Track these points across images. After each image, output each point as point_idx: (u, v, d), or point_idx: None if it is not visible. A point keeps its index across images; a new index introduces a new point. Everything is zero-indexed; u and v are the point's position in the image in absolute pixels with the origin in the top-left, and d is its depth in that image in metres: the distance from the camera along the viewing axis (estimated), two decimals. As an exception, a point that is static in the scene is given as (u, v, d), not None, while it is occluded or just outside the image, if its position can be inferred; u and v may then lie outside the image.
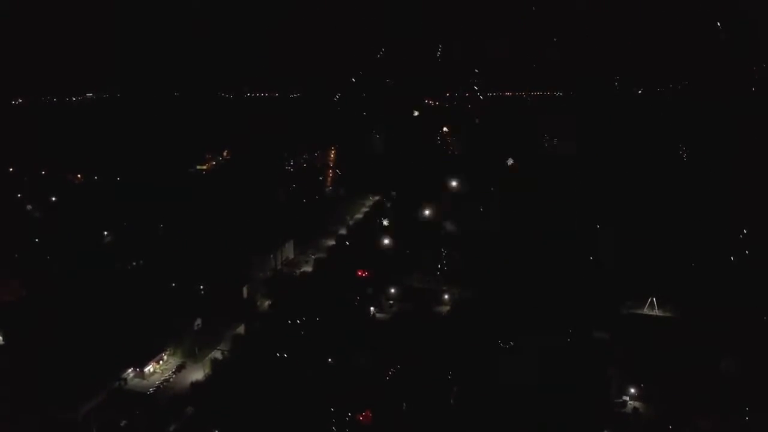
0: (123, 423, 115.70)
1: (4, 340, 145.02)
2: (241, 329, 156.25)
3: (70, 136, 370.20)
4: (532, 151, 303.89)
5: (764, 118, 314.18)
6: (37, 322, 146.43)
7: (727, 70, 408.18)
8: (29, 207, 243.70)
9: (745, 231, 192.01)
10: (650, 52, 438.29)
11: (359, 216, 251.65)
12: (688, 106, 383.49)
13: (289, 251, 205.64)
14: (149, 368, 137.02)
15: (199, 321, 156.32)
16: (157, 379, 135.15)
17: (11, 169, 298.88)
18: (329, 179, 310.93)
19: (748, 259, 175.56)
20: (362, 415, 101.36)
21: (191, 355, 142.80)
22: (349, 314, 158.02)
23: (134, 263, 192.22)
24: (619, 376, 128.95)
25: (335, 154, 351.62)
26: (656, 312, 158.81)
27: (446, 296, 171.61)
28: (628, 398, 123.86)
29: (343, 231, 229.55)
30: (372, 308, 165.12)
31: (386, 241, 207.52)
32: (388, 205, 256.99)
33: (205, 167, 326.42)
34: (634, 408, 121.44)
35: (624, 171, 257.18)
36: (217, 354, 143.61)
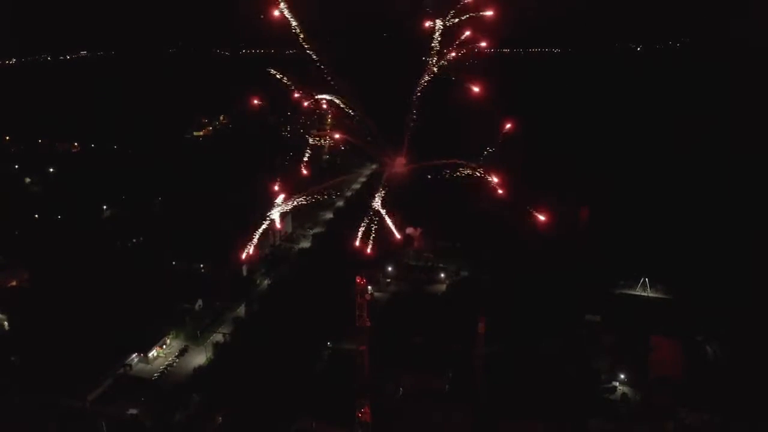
0: (130, 413, 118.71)
1: (9, 326, 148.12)
2: (241, 310, 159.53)
3: (65, 100, 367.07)
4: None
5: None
6: (41, 308, 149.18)
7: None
8: (28, 180, 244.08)
9: (740, 213, 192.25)
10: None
11: (357, 186, 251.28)
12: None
13: (287, 225, 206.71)
14: (153, 353, 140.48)
15: (200, 302, 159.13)
16: (161, 364, 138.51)
17: (7, 138, 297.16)
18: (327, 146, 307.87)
19: (743, 240, 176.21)
20: (361, 412, 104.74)
21: (193, 339, 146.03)
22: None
23: (134, 240, 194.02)
24: (608, 361, 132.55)
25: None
26: (648, 293, 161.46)
27: (442, 274, 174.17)
28: (617, 383, 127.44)
29: (340, 203, 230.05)
30: (369, 287, 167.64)
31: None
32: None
33: (201, 133, 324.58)
34: (623, 393, 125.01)
35: (616, 148, 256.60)
36: (218, 337, 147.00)
